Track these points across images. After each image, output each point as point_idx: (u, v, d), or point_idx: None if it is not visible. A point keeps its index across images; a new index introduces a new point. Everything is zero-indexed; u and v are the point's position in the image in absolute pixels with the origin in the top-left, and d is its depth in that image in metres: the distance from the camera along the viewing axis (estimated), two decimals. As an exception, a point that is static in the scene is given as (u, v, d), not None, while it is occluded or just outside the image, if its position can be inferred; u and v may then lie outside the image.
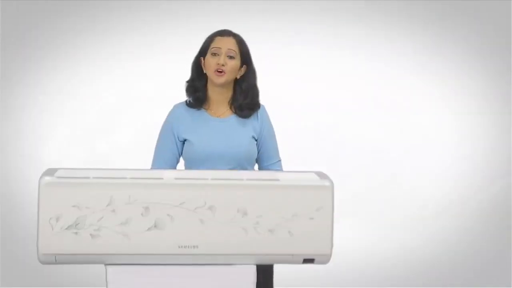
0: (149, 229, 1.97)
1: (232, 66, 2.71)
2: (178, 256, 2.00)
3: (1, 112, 4.52)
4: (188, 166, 2.74)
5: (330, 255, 2.05)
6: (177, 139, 2.74)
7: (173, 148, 2.74)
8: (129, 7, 4.60)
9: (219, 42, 2.74)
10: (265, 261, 2.08)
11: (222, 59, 2.70)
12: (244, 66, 2.76)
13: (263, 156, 2.80)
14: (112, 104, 4.57)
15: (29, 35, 4.54)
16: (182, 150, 2.75)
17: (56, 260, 1.99)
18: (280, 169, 2.82)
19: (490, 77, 4.70)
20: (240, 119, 2.75)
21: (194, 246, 1.99)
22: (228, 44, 2.73)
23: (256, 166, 2.82)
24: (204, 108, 2.77)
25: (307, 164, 2.94)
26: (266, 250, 2.01)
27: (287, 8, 4.63)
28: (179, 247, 1.98)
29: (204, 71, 2.75)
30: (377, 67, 4.65)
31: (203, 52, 2.77)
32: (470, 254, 4.58)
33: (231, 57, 2.71)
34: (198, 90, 2.76)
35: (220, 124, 2.74)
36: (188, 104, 2.78)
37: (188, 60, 4.70)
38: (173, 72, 4.61)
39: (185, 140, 2.73)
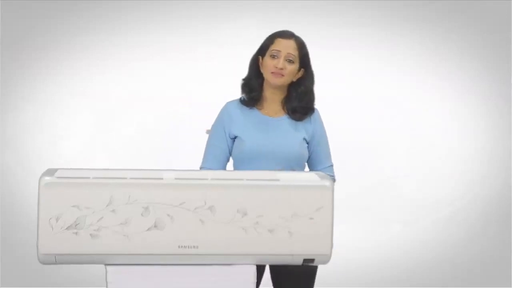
0: (149, 229, 1.97)
1: (291, 70, 2.66)
2: (178, 256, 2.00)
3: (1, 112, 4.52)
4: (236, 165, 2.69)
5: (330, 255, 2.06)
6: (228, 136, 2.70)
7: (224, 145, 2.70)
8: (129, 7, 4.60)
9: (279, 45, 2.68)
10: (265, 261, 2.08)
11: (281, 63, 2.65)
12: (302, 69, 2.71)
13: (314, 160, 2.74)
14: (112, 104, 4.57)
15: (29, 35, 4.54)
16: (232, 148, 2.70)
17: (56, 260, 1.99)
18: (331, 174, 2.75)
19: (490, 77, 4.70)
20: (293, 120, 2.70)
21: (194, 246, 1.99)
22: (288, 48, 2.67)
23: (306, 169, 2.77)
24: (257, 107, 2.72)
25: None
26: (266, 250, 2.01)
27: (286, 8, 4.63)
28: (179, 247, 1.98)
29: (261, 71, 2.71)
30: (377, 67, 4.64)
31: (262, 51, 2.73)
32: (470, 254, 4.58)
33: (290, 61, 2.66)
34: (253, 90, 2.72)
35: (272, 123, 2.69)
36: (242, 102, 2.74)
37: (189, 60, 4.71)
38: (173, 72, 4.62)
39: (235, 137, 2.69)
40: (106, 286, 2.03)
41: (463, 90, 4.72)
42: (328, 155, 2.77)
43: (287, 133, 2.68)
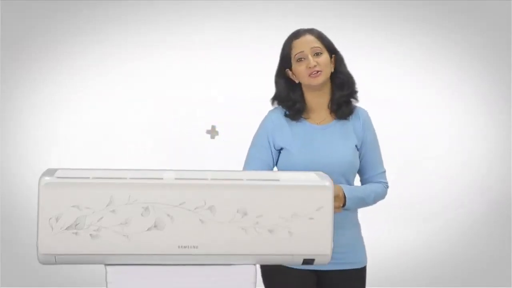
0: (149, 229, 1.97)
1: (324, 62, 2.50)
2: (178, 256, 2.00)
3: (1, 112, 4.52)
4: None
5: (330, 255, 2.05)
6: (272, 147, 2.57)
7: (267, 157, 2.57)
8: (129, 7, 4.60)
9: (300, 46, 2.53)
10: (265, 261, 2.08)
11: (311, 61, 2.49)
12: (333, 56, 2.55)
13: (366, 166, 2.59)
14: (112, 104, 4.58)
15: (29, 35, 4.54)
16: (277, 159, 2.57)
17: (56, 261, 1.99)
18: (383, 181, 2.62)
19: (490, 77, 4.71)
20: (342, 124, 2.55)
21: (194, 246, 1.99)
22: (310, 43, 2.52)
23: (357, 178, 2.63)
24: (304, 117, 2.57)
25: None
26: (266, 250, 2.01)
27: (286, 8, 4.63)
28: (179, 247, 1.98)
29: (297, 81, 2.56)
30: (377, 67, 4.65)
31: (285, 62, 2.58)
32: (470, 254, 4.58)
33: (318, 54, 2.51)
34: (296, 103, 2.56)
35: (321, 132, 2.55)
36: (288, 116, 2.58)
37: (189, 60, 4.71)
38: (173, 72, 4.62)
39: (281, 149, 2.56)
40: (106, 286, 2.03)
41: (463, 90, 4.73)
42: (380, 161, 2.62)
43: (337, 141, 2.53)
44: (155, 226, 1.97)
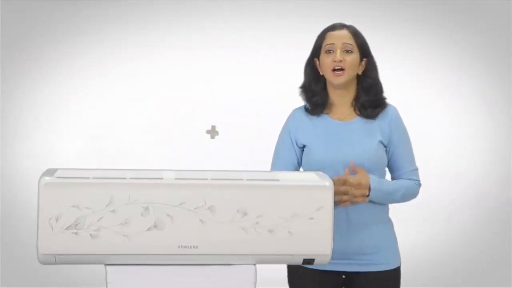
0: (149, 229, 1.96)
1: (351, 61, 2.43)
2: (178, 256, 2.00)
3: (1, 112, 4.52)
4: None
5: (330, 255, 2.05)
6: (295, 145, 2.51)
7: (291, 156, 2.51)
8: (130, 7, 4.60)
9: (332, 38, 2.45)
10: (265, 261, 2.08)
11: (338, 54, 2.41)
12: (364, 59, 2.48)
13: (395, 164, 2.52)
14: (112, 104, 4.58)
15: (29, 35, 4.54)
16: (302, 158, 2.51)
17: (56, 261, 1.99)
18: (415, 179, 2.56)
19: (490, 77, 4.70)
20: (366, 121, 2.47)
21: (194, 246, 1.99)
22: (343, 38, 2.45)
23: (388, 177, 2.56)
24: (325, 113, 2.50)
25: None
26: (266, 250, 2.01)
27: (286, 8, 4.63)
28: (179, 247, 1.98)
29: (321, 73, 2.49)
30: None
31: (316, 52, 2.50)
32: (470, 254, 4.58)
33: (348, 51, 2.44)
34: (315, 95, 2.50)
35: (343, 128, 2.47)
36: (307, 110, 2.53)
37: (189, 60, 4.70)
38: (173, 72, 4.62)
39: (304, 146, 2.50)
40: (106, 286, 2.03)
41: (463, 90, 4.72)
42: (410, 158, 2.54)
43: (360, 137, 2.46)
44: (155, 226, 1.97)
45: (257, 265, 2.07)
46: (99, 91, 4.58)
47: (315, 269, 2.45)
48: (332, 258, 2.39)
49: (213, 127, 2.77)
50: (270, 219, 2.00)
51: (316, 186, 2.04)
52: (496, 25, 4.65)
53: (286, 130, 2.55)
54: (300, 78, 4.60)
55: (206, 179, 2.01)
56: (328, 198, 2.02)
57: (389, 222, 2.58)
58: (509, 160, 4.67)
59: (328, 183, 2.04)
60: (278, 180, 2.04)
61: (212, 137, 2.76)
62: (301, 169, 2.55)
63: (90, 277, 3.63)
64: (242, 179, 2.03)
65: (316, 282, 2.49)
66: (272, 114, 4.64)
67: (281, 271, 2.62)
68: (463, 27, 4.68)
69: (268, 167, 2.66)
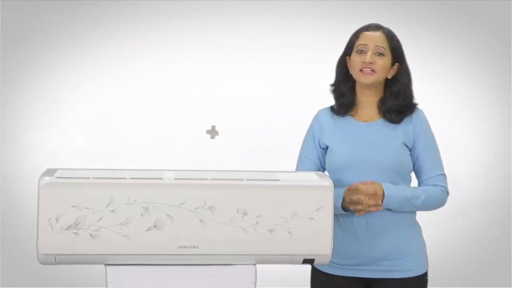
0: (148, 229, 1.97)
1: (382, 65, 2.40)
2: (178, 256, 2.00)
3: (1, 112, 4.52)
4: (332, 178, 2.37)
5: (330, 255, 2.05)
6: (318, 146, 2.49)
7: (314, 157, 2.48)
8: (130, 6, 4.60)
9: (365, 38, 2.42)
10: (265, 261, 2.08)
11: (369, 56, 2.38)
12: (396, 64, 2.44)
13: (419, 169, 2.47)
14: (112, 104, 4.57)
15: (29, 35, 4.54)
16: (325, 159, 2.48)
17: (56, 261, 1.99)
18: (440, 185, 2.52)
19: (490, 77, 4.70)
20: (389, 124, 2.43)
21: (193, 246, 1.99)
22: (376, 40, 2.41)
23: (412, 183, 2.49)
24: (350, 113, 2.47)
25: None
26: (266, 250, 2.01)
27: (286, 8, 4.63)
28: (178, 247, 1.98)
29: (350, 72, 2.45)
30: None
31: (348, 50, 2.46)
32: (470, 254, 4.58)
33: (380, 54, 2.40)
34: (343, 95, 2.47)
35: (365, 129, 2.44)
36: (332, 110, 2.50)
37: (189, 60, 4.70)
38: (173, 72, 4.62)
39: (326, 147, 2.47)
40: (106, 286, 2.03)
41: (463, 90, 4.72)
42: (436, 163, 2.50)
43: (382, 139, 2.42)
44: (155, 226, 1.97)
45: (257, 265, 2.07)
46: (99, 91, 4.58)
47: (339, 275, 2.44)
48: (354, 264, 2.41)
49: (213, 127, 2.77)
50: (270, 219, 2.00)
51: (316, 186, 2.04)
52: (496, 25, 4.65)
53: (310, 131, 2.53)
54: (300, 78, 4.61)
55: (206, 179, 2.01)
56: (328, 198, 2.02)
57: (414, 227, 2.54)
58: (509, 160, 4.67)
59: (328, 183, 2.04)
60: (278, 180, 2.04)
61: (212, 137, 2.76)
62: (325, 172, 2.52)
63: (90, 277, 3.63)
64: (242, 179, 2.03)
65: (340, 286, 2.46)
66: (272, 114, 4.66)
67: (281, 271, 2.62)
68: (463, 27, 4.68)
69: (268, 167, 2.65)
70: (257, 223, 1.99)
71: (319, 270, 2.47)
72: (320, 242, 2.03)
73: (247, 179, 2.03)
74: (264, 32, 4.60)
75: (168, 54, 4.57)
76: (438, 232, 4.74)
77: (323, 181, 2.06)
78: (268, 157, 4.32)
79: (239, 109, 4.50)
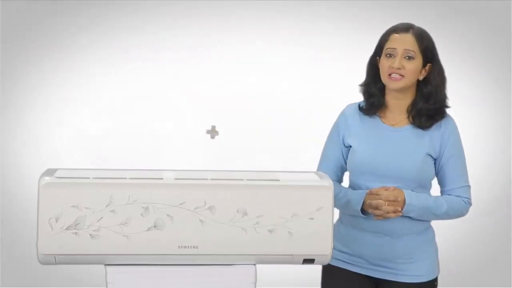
0: (148, 229, 1.97)
1: (411, 69, 2.32)
2: (178, 256, 2.00)
3: (1, 112, 4.52)
4: (351, 179, 2.43)
5: (330, 255, 2.05)
6: (342, 143, 2.43)
7: (338, 154, 2.43)
8: (130, 6, 4.59)
9: (395, 41, 2.33)
10: (265, 261, 2.08)
11: (397, 61, 2.30)
12: (428, 65, 2.37)
13: (443, 179, 2.41)
14: (112, 104, 4.57)
15: (29, 35, 4.53)
16: (347, 157, 2.42)
17: (55, 261, 1.99)
18: (464, 197, 2.48)
19: (490, 77, 4.70)
20: (418, 130, 2.35)
21: (194, 246, 1.99)
22: (405, 43, 2.32)
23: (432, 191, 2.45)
24: (378, 115, 2.40)
25: (308, 164, 2.93)
26: (266, 250, 2.01)
27: (286, 8, 4.63)
28: (178, 247, 1.98)
29: (380, 74, 2.38)
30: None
31: (378, 51, 2.39)
32: (470, 254, 4.58)
33: (409, 58, 2.32)
34: (373, 95, 2.39)
35: (391, 134, 2.37)
36: (360, 109, 2.42)
37: (189, 60, 4.70)
38: (173, 72, 4.62)
39: (350, 146, 2.41)
40: (106, 286, 2.03)
41: (463, 90, 4.72)
42: (461, 174, 2.44)
43: (407, 147, 2.35)
44: (155, 226, 1.97)
45: (257, 265, 2.07)
46: (99, 91, 4.57)
47: (351, 271, 2.44)
48: (364, 262, 2.42)
49: (213, 127, 2.77)
50: (270, 219, 2.00)
51: (316, 186, 2.04)
52: (496, 25, 4.64)
53: (335, 127, 2.46)
54: (300, 78, 4.61)
55: (206, 179, 2.01)
56: (328, 198, 2.02)
57: (426, 232, 2.49)
58: (509, 159, 4.66)
59: (328, 183, 2.04)
60: (278, 180, 2.04)
61: (212, 137, 2.76)
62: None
63: (90, 277, 3.63)
64: (242, 179, 2.03)
65: (351, 283, 2.46)
66: (272, 114, 4.66)
67: (281, 271, 2.61)
68: (463, 27, 4.68)
69: (268, 167, 2.65)
70: (257, 223, 1.99)
71: (330, 264, 2.44)
72: (320, 242, 2.03)
73: (247, 179, 2.03)
74: (264, 32, 4.60)
75: (168, 54, 4.57)
76: (437, 232, 4.73)
77: (323, 181, 2.06)
78: (268, 157, 4.32)
79: (239, 109, 4.50)
